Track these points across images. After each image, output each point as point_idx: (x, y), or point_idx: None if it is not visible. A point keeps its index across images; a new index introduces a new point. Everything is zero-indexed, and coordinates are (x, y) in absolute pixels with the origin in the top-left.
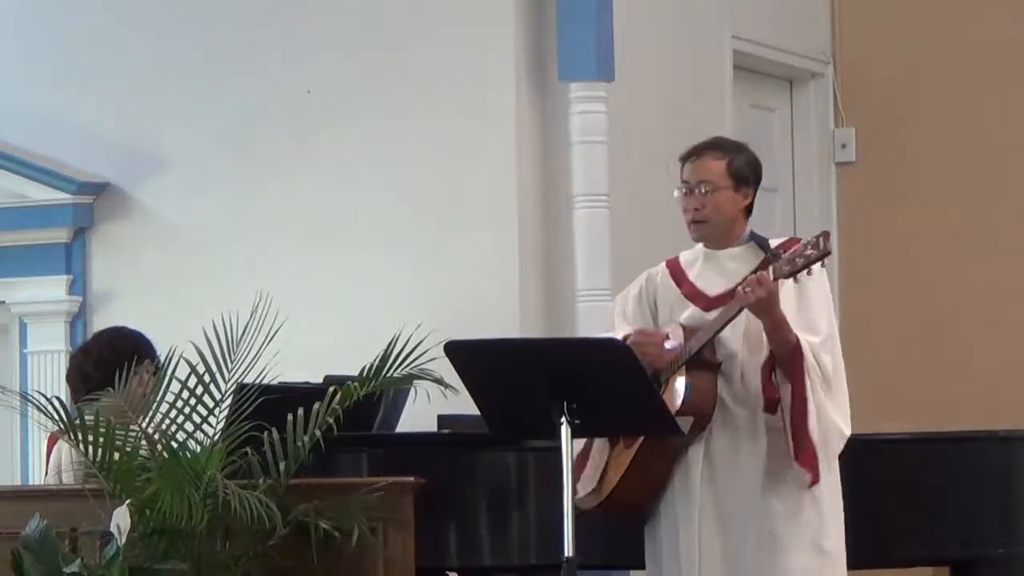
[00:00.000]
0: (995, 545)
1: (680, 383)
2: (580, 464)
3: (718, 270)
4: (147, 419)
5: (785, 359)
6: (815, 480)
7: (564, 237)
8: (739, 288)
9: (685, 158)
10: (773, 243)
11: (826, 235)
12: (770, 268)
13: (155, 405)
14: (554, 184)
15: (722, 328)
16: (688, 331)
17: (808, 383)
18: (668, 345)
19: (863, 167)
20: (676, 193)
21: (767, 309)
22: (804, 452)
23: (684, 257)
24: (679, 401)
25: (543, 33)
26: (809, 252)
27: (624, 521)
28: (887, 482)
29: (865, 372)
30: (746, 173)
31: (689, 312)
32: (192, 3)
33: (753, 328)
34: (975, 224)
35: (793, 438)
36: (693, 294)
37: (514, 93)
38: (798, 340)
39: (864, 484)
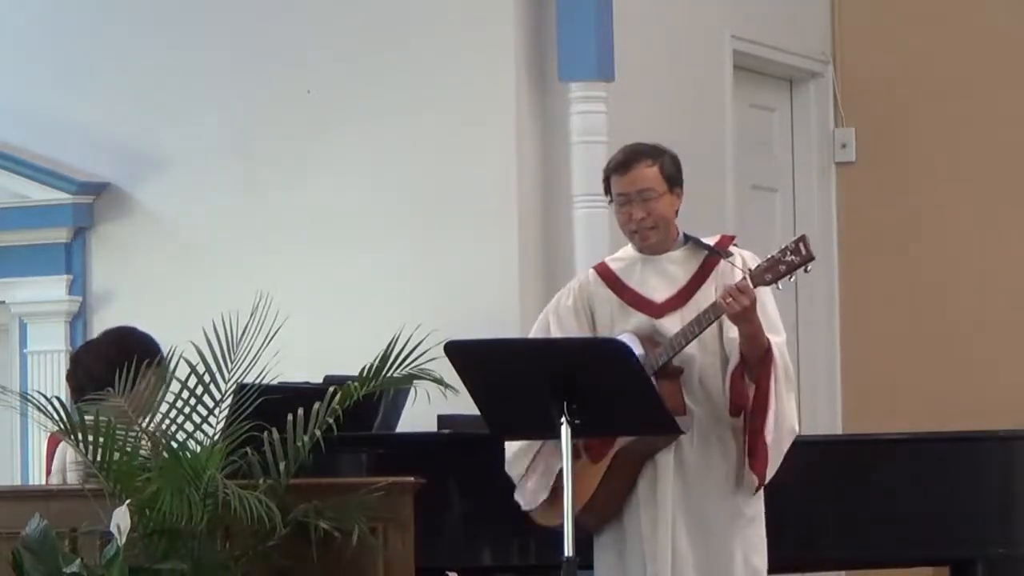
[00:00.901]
0: (995, 545)
1: None
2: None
3: (660, 274)
4: (148, 419)
5: (756, 362)
6: (761, 484)
7: (564, 237)
8: (719, 299)
9: (613, 170)
10: (707, 241)
11: (805, 239)
12: (747, 275)
13: (157, 405)
14: (554, 184)
15: (696, 335)
16: (644, 340)
17: (773, 383)
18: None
19: (863, 167)
20: (612, 206)
21: (748, 317)
22: (756, 456)
23: (615, 264)
24: None
25: (543, 33)
26: (791, 258)
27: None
28: (887, 482)
29: (865, 372)
30: (676, 174)
31: (636, 320)
32: (192, 3)
33: (707, 332)
34: (975, 224)
35: (748, 440)
36: (638, 302)
37: (514, 93)
38: (770, 343)
39: (864, 484)
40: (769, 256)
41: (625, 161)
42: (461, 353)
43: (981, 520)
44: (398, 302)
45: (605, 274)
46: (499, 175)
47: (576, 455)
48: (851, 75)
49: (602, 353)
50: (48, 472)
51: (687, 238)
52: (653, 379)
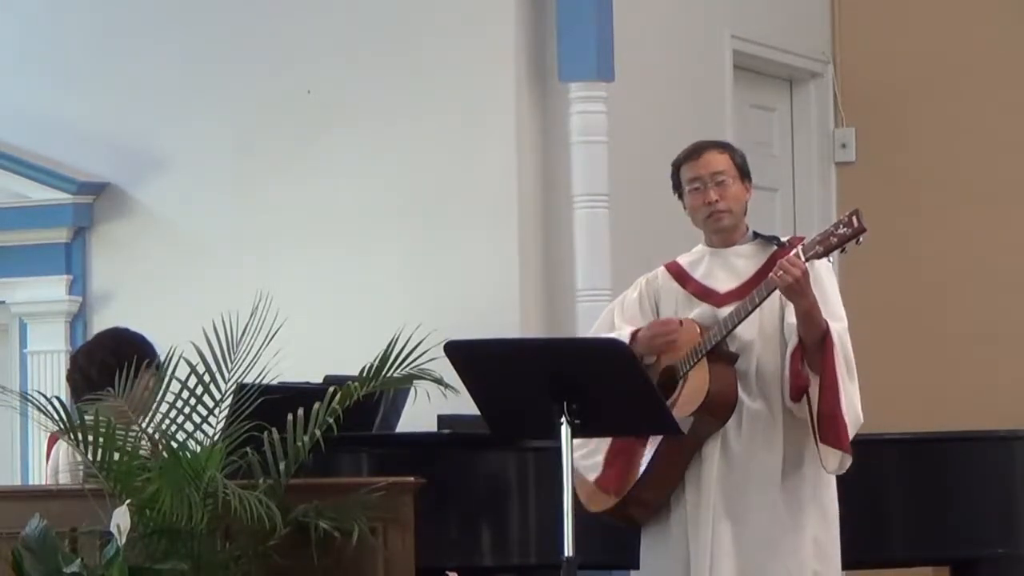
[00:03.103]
0: (995, 545)
1: (703, 376)
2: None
3: (726, 268)
4: (147, 419)
5: (815, 345)
6: (847, 452)
7: (564, 237)
8: (771, 273)
9: (685, 159)
10: (773, 236)
11: (858, 213)
12: (800, 248)
13: (155, 406)
14: (554, 184)
15: (749, 313)
16: (701, 327)
17: (837, 366)
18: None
19: (863, 167)
20: (684, 198)
21: (802, 291)
22: (837, 433)
23: (684, 259)
24: (703, 394)
25: (543, 33)
26: (843, 230)
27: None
28: (887, 482)
29: (865, 372)
30: (745, 167)
31: (699, 310)
32: (192, 3)
33: (766, 319)
34: (975, 224)
35: (821, 424)
36: (702, 292)
37: (514, 93)
38: (828, 325)
39: (864, 484)
40: (822, 230)
41: (696, 149)
42: (461, 353)
43: (981, 520)
44: (398, 302)
45: (673, 269)
46: (499, 175)
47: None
48: (851, 75)
49: (602, 353)
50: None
51: (756, 235)
52: (703, 362)
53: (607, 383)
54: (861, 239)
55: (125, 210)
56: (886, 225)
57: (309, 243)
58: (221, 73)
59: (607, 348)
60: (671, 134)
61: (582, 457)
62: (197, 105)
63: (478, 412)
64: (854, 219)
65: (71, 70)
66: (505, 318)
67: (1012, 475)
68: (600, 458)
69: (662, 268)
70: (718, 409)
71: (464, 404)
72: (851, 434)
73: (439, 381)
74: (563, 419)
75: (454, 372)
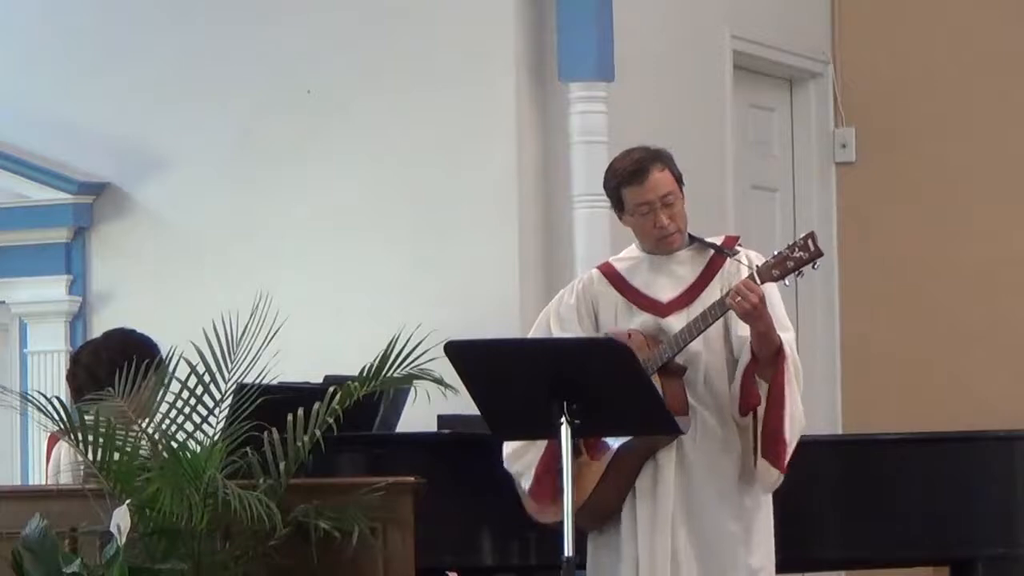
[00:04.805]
0: (995, 545)
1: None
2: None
3: (666, 275)
4: (148, 421)
5: (768, 361)
6: (783, 472)
7: (564, 237)
8: (726, 298)
9: (628, 181)
10: (712, 240)
11: (813, 236)
12: (755, 272)
13: (156, 406)
14: (554, 184)
15: (702, 332)
16: (648, 338)
17: (787, 382)
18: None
19: (863, 167)
20: (631, 217)
21: (759, 315)
22: (778, 453)
23: (619, 264)
24: None
25: (543, 33)
26: (799, 254)
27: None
28: (887, 482)
29: (865, 372)
30: (679, 173)
31: (642, 319)
32: (192, 3)
33: (712, 328)
34: (975, 223)
35: (764, 440)
36: (643, 301)
37: (514, 93)
38: (782, 340)
39: (865, 484)
40: (776, 252)
41: (639, 170)
42: (461, 353)
43: (981, 520)
44: (398, 302)
45: (610, 274)
46: (499, 175)
47: (576, 453)
48: (851, 75)
49: (602, 353)
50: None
51: (692, 238)
52: (655, 377)
53: (607, 383)
54: (818, 264)
55: (125, 210)
56: (885, 225)
57: (309, 243)
58: (221, 73)
59: (607, 348)
60: (671, 134)
61: (514, 458)
62: (197, 105)
63: (478, 412)
64: (810, 242)
65: (71, 70)
66: (505, 318)
67: (1012, 475)
68: (533, 463)
69: (596, 271)
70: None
71: (464, 404)
72: (789, 452)
73: (439, 381)
74: (563, 419)
75: (454, 372)
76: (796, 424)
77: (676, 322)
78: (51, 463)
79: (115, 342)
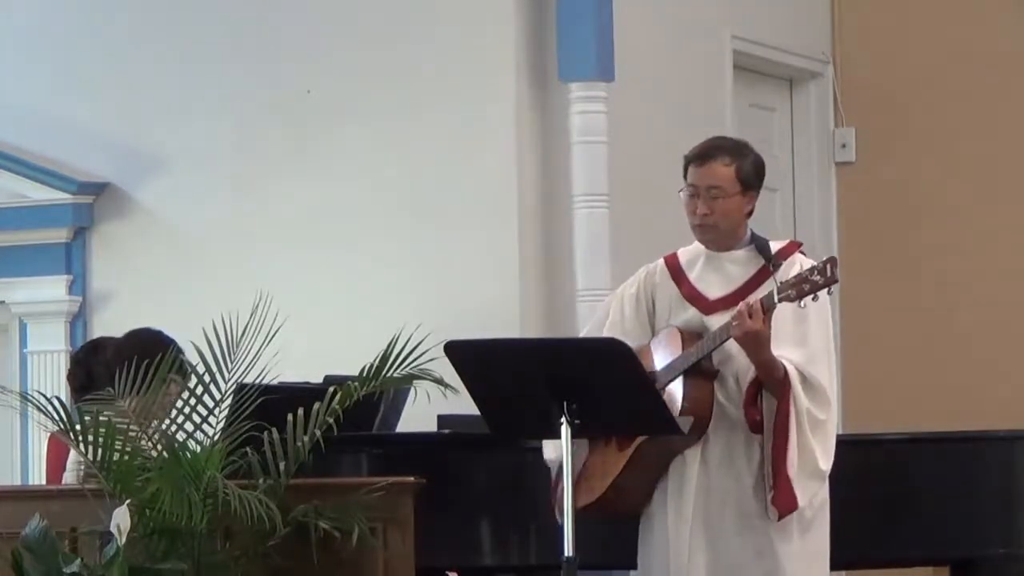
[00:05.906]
0: (995, 545)
1: (677, 391)
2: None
3: (719, 272)
4: (161, 422)
5: (773, 387)
6: (778, 510)
7: (564, 237)
8: (730, 320)
9: (692, 160)
10: (773, 246)
11: (834, 261)
12: (774, 291)
13: (170, 408)
14: (554, 184)
15: (714, 349)
16: (685, 337)
17: (792, 413)
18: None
19: (863, 167)
20: (682, 194)
21: (759, 345)
22: (777, 488)
23: (684, 256)
24: (676, 408)
25: (543, 33)
26: (816, 278)
27: (613, 521)
28: (888, 482)
29: (865, 372)
30: (752, 178)
31: (688, 315)
32: (193, 3)
33: None
34: (975, 223)
35: (770, 469)
36: (693, 296)
37: (514, 93)
38: (786, 373)
39: (865, 484)
40: (798, 273)
41: (703, 154)
42: (461, 353)
43: (981, 520)
44: (398, 302)
45: (672, 264)
46: (499, 175)
47: (605, 441)
48: (851, 75)
49: (602, 353)
50: (49, 472)
51: (753, 239)
52: (682, 376)
53: (607, 383)
54: (832, 290)
55: (125, 210)
56: (886, 225)
57: (309, 243)
58: (221, 73)
59: (607, 348)
60: (671, 134)
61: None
62: (197, 105)
63: (478, 412)
64: (828, 268)
65: (71, 70)
66: (505, 318)
67: (1012, 475)
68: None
69: (662, 262)
70: (691, 425)
71: (464, 404)
72: (802, 490)
73: (439, 381)
74: (563, 419)
75: (454, 372)
76: (807, 466)
77: (717, 322)
78: (69, 461)
79: (141, 343)
